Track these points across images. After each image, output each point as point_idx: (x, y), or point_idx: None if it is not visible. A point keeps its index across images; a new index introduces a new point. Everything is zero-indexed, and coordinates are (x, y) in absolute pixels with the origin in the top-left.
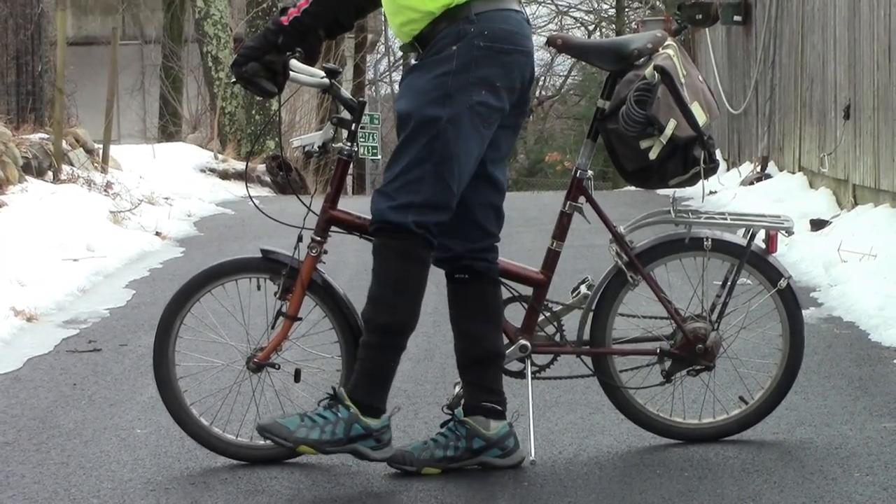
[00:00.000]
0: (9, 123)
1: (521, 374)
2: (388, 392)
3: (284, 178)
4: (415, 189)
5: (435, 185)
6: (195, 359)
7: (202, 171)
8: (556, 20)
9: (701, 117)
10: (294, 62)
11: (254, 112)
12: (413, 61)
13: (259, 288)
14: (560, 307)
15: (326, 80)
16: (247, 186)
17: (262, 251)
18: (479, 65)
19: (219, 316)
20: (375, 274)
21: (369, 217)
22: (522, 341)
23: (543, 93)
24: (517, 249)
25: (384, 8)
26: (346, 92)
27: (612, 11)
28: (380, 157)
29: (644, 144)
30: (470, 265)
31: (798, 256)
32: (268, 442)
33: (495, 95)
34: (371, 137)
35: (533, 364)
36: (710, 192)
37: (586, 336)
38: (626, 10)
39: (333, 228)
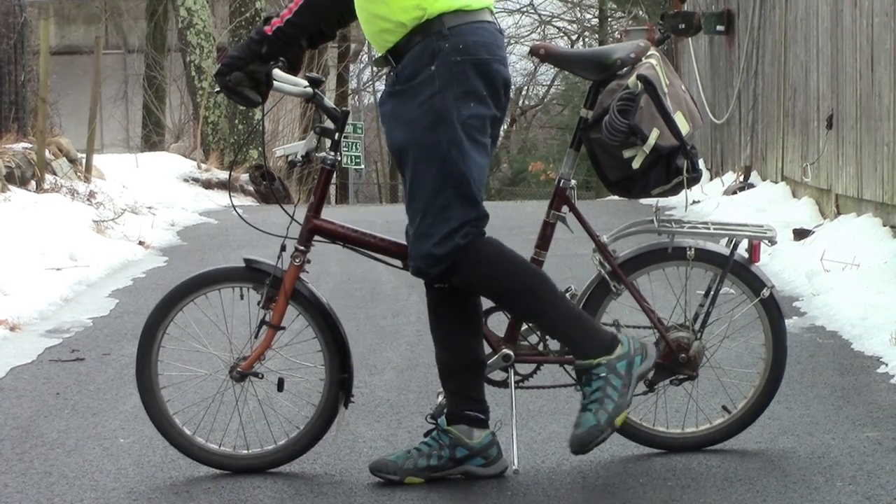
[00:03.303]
0: None
1: (504, 384)
2: (596, 327)
3: (268, 188)
4: (446, 217)
5: (462, 205)
6: (178, 368)
7: (185, 180)
8: (539, 30)
9: (684, 127)
10: (277, 72)
11: (237, 121)
12: (388, 73)
13: (242, 297)
14: None
15: (309, 90)
16: (230, 196)
17: (246, 260)
18: (460, 79)
19: (202, 325)
20: (486, 291)
21: (352, 227)
22: (505, 350)
23: (526, 102)
24: None
25: (358, 17)
26: (329, 101)
27: (595, 21)
28: (363, 166)
29: (627, 154)
30: None
31: (781, 266)
32: (251, 451)
33: (484, 105)
34: (354, 147)
35: (516, 373)
36: (693, 202)
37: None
38: (609, 19)
39: (316, 238)
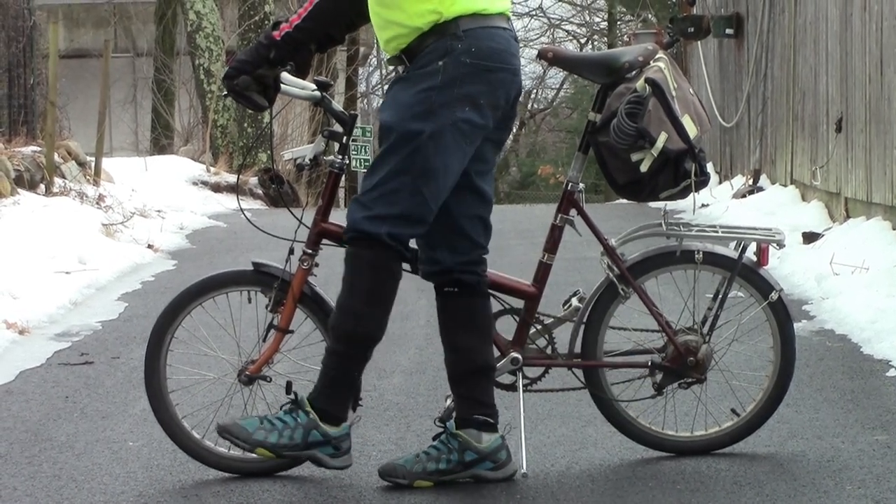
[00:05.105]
0: (1, 136)
1: (512, 387)
2: (349, 401)
3: (276, 191)
4: (391, 200)
5: (412, 197)
6: (187, 372)
7: (194, 183)
8: (548, 33)
9: (692, 130)
10: (285, 75)
11: (246, 125)
12: (401, 72)
13: (250, 301)
14: (551, 320)
15: (318, 93)
16: (238, 199)
17: (254, 264)
18: (464, 81)
19: (210, 329)
20: (345, 283)
21: None
22: (514, 354)
23: (535, 105)
24: (509, 262)
25: (372, 22)
26: (337, 105)
27: (604, 24)
28: None
29: (635, 157)
30: (459, 278)
31: (790, 269)
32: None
33: (479, 112)
34: (363, 150)
35: (524, 377)
36: (702, 205)
37: (578, 349)
38: (618, 23)
39: (325, 241)
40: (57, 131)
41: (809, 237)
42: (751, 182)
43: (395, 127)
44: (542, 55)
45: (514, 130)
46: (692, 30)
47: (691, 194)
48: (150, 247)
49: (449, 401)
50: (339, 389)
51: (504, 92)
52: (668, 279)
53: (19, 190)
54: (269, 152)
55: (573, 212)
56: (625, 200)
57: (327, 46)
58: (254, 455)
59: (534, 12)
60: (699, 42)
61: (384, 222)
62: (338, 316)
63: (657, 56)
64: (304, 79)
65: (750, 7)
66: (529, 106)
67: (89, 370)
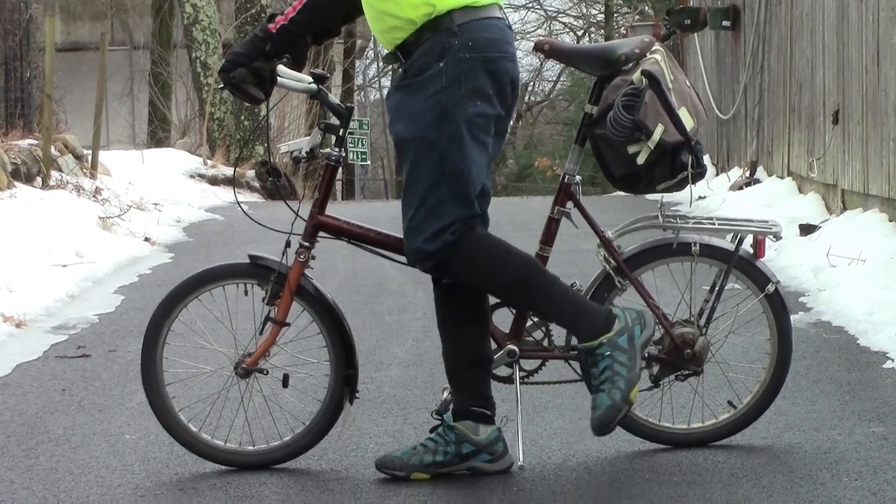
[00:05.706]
0: None
1: (509, 379)
2: (592, 306)
3: (273, 184)
4: (439, 214)
5: (455, 202)
6: (183, 365)
7: (191, 176)
8: (544, 25)
9: (688, 122)
10: (281, 68)
11: (242, 117)
12: (396, 69)
13: (247, 293)
14: None
15: (314, 86)
16: (235, 192)
17: (250, 256)
18: (468, 77)
19: (207, 322)
20: (481, 282)
21: (357, 223)
22: (511, 346)
23: (532, 98)
24: None
25: (365, 14)
26: (333, 97)
27: (601, 17)
28: (368, 162)
29: (632, 149)
30: None
31: (787, 261)
32: (256, 447)
33: (489, 103)
34: (360, 143)
35: (521, 369)
36: (699, 198)
37: (574, 341)
38: (615, 15)
39: (321, 234)
40: (54, 124)
41: (806, 229)
42: (747, 174)
43: (412, 138)
44: (538, 47)
45: (511, 123)
46: (689, 22)
47: (688, 186)
48: (146, 240)
49: (446, 393)
50: (580, 311)
51: (509, 79)
52: (664, 271)
53: (16, 183)
54: (265, 145)
55: (570, 204)
56: (621, 193)
57: (324, 38)
58: (250, 448)
59: (530, 4)
60: (696, 34)
61: (443, 233)
62: (513, 298)
63: (654, 48)
64: (300, 71)
65: None
66: (526, 98)
67: (86, 363)
